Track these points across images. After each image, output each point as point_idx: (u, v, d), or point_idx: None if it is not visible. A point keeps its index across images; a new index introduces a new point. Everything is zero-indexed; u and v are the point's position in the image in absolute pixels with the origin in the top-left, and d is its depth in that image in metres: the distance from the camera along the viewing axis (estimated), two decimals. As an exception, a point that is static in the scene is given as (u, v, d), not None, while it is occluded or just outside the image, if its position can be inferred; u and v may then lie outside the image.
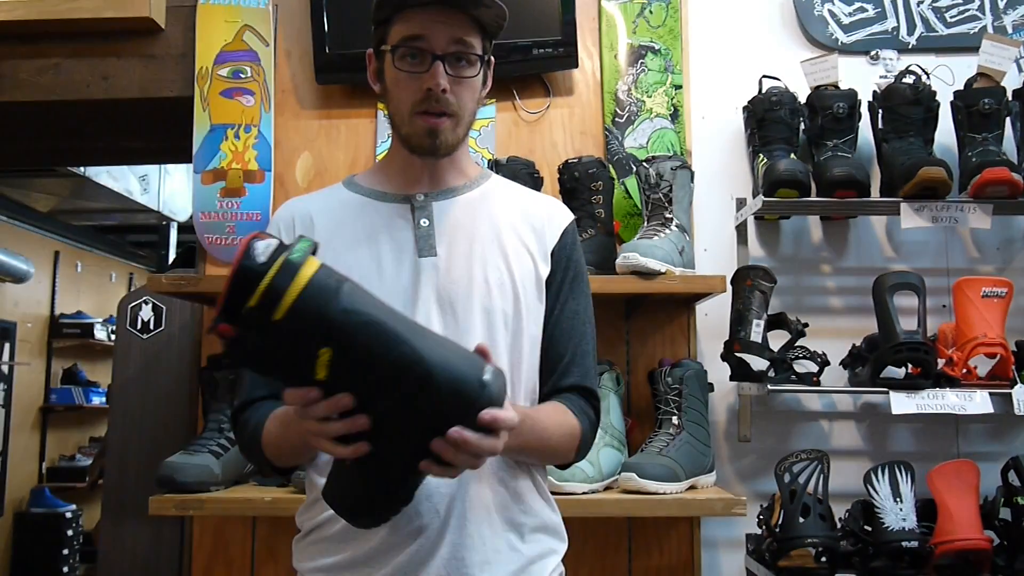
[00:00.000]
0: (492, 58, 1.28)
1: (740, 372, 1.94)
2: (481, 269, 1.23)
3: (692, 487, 1.82)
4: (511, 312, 1.23)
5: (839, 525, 1.85)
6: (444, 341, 0.99)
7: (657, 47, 2.16)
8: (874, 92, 2.03)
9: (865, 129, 2.05)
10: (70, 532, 5.56)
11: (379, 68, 1.26)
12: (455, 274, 1.22)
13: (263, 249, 0.89)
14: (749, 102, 2.07)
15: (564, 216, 1.34)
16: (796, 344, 1.96)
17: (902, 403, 1.82)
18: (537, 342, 1.26)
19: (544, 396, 1.27)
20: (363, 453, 0.96)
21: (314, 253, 0.93)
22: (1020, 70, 2.11)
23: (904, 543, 1.75)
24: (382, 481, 0.99)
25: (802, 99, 2.04)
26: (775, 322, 1.96)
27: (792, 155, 1.97)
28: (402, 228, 1.25)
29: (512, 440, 1.05)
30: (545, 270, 1.28)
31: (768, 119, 2.01)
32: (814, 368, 1.96)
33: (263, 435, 1.19)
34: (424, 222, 1.25)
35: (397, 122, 1.25)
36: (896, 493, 1.81)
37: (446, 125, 1.21)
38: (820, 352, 1.96)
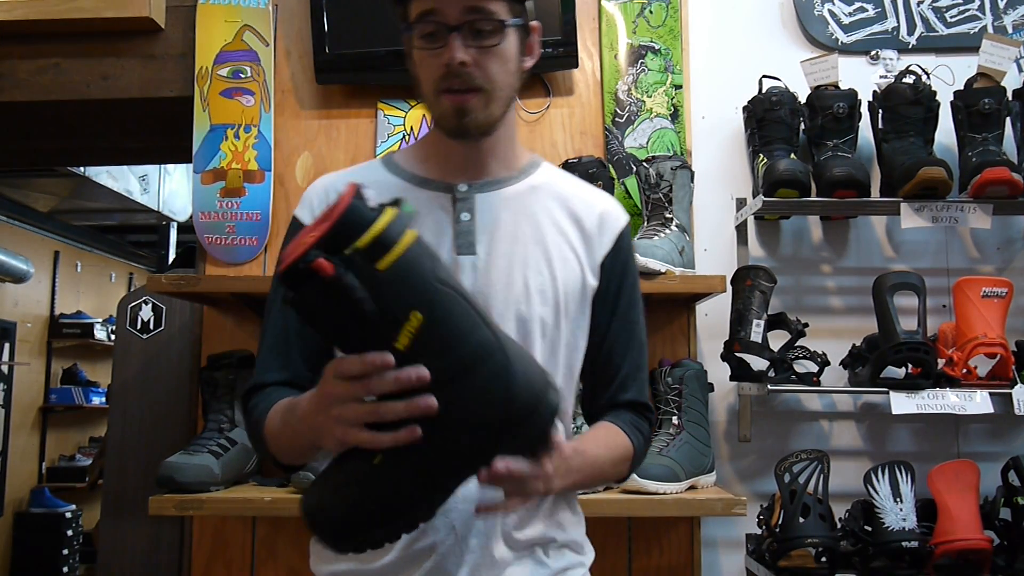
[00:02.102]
0: (533, 23, 1.16)
1: (740, 372, 1.94)
2: (521, 272, 1.15)
3: (692, 487, 1.82)
4: (550, 320, 1.15)
5: (839, 525, 1.85)
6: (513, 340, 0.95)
7: (657, 47, 2.16)
8: (874, 92, 2.03)
9: (865, 129, 2.05)
10: (70, 532, 5.56)
11: (410, 50, 1.16)
12: (493, 276, 1.14)
13: (373, 197, 0.85)
14: (749, 102, 2.07)
15: (617, 219, 1.25)
16: (796, 344, 1.96)
17: (902, 403, 1.82)
18: (576, 353, 1.20)
19: (598, 409, 1.23)
20: (416, 438, 0.86)
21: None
22: (1020, 70, 2.11)
23: (904, 543, 1.75)
24: (417, 485, 0.89)
25: (802, 99, 2.04)
26: (775, 322, 1.96)
27: (792, 155, 1.97)
28: (441, 221, 1.16)
29: (569, 478, 1.02)
30: (593, 282, 1.20)
31: (768, 119, 2.01)
32: (814, 368, 1.96)
33: (266, 426, 1.11)
34: (465, 216, 1.16)
35: (426, 104, 1.16)
36: (896, 493, 1.81)
37: (474, 102, 1.11)
38: (820, 352, 1.96)
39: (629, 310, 1.23)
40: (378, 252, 0.82)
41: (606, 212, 1.24)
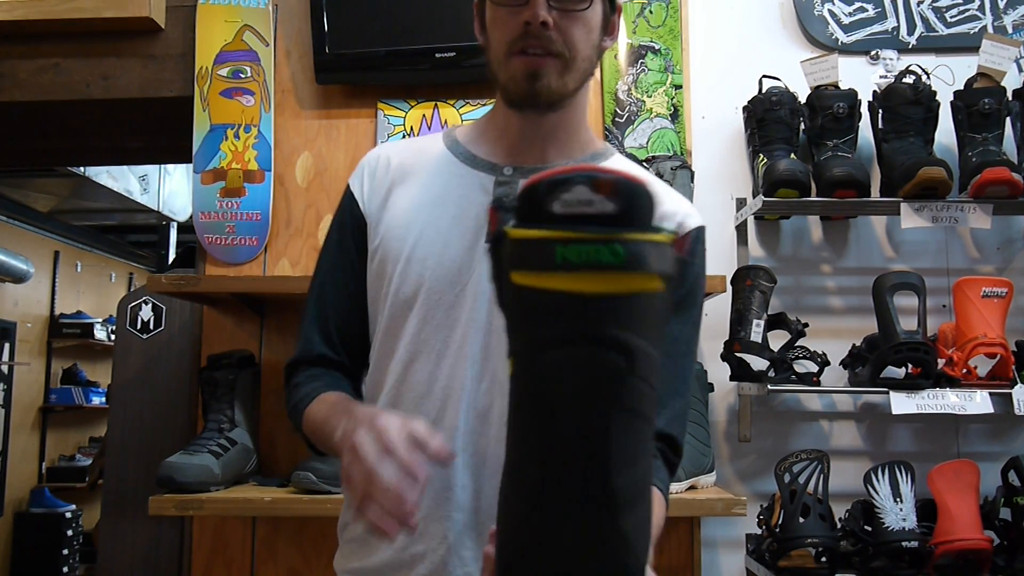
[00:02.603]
0: (620, 1, 1.09)
1: (740, 372, 1.94)
2: None
3: (692, 487, 1.82)
4: None
5: (839, 525, 1.85)
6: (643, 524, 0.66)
7: (657, 47, 2.16)
8: (874, 92, 2.03)
9: (865, 129, 2.05)
10: (70, 532, 5.56)
11: (482, 18, 1.09)
12: None
13: (614, 196, 0.60)
14: (749, 102, 2.07)
15: (685, 221, 1.10)
16: (796, 344, 1.96)
17: (902, 403, 1.82)
18: None
19: None
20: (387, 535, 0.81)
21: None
22: (1020, 70, 2.10)
23: (904, 543, 1.75)
24: None
25: (802, 99, 2.04)
26: (775, 322, 1.95)
27: (792, 155, 1.97)
28: (477, 203, 1.08)
29: None
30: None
31: (768, 119, 2.01)
32: (814, 368, 1.96)
33: (305, 415, 1.09)
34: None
35: (495, 69, 1.06)
36: (896, 493, 1.81)
37: (549, 66, 1.02)
38: (820, 352, 1.96)
39: (672, 321, 1.04)
40: (520, 258, 0.62)
41: (669, 213, 1.09)
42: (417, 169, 1.14)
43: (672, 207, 1.11)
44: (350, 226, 1.16)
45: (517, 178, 1.08)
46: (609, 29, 1.09)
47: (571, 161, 1.11)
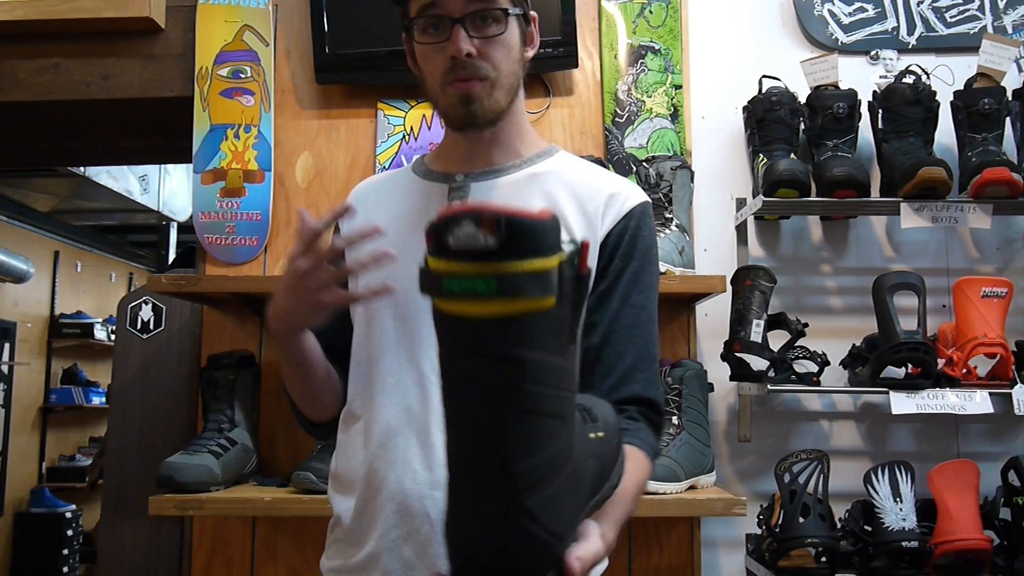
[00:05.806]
0: (532, 13, 1.18)
1: (740, 372, 1.94)
2: None
3: (692, 487, 1.82)
4: None
5: (839, 525, 1.85)
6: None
7: (657, 47, 2.16)
8: (874, 92, 2.03)
9: (865, 129, 2.05)
10: (70, 532, 5.56)
11: (411, 48, 1.17)
12: None
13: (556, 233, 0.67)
14: (749, 102, 2.07)
15: (629, 198, 1.17)
16: (796, 344, 1.96)
17: (902, 403, 1.82)
18: None
19: None
20: (389, 291, 1.01)
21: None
22: (1020, 70, 2.11)
23: (904, 543, 1.75)
24: None
25: (802, 99, 2.04)
26: (775, 322, 1.96)
27: (792, 155, 1.97)
28: (434, 210, 1.13)
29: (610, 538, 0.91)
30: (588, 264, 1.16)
31: (768, 119, 2.01)
32: (814, 368, 1.96)
33: (285, 379, 1.19)
34: (456, 204, 1.16)
35: (433, 99, 1.16)
36: (896, 493, 1.81)
37: (479, 89, 1.11)
38: (820, 352, 1.96)
39: (634, 292, 1.13)
40: (424, 283, 0.67)
41: (616, 194, 1.17)
42: (390, 195, 1.25)
43: (614, 188, 1.18)
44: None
45: (468, 183, 1.18)
46: (528, 40, 1.19)
47: (519, 161, 1.20)
